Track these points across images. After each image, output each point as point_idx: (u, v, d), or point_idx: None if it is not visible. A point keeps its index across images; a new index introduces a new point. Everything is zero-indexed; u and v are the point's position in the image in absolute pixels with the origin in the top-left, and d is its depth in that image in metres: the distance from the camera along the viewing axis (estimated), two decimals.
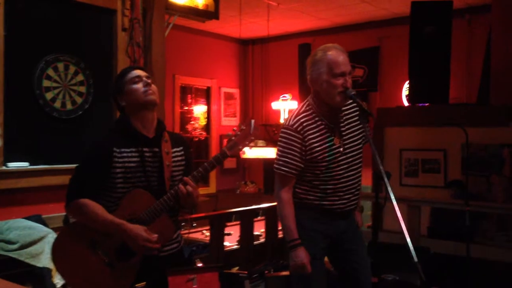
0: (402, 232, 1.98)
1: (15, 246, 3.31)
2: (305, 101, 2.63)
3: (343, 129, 2.57)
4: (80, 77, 4.15)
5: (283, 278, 3.41)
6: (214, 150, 8.57)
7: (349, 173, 2.57)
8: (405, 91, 7.17)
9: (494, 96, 4.92)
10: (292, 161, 2.53)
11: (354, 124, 2.60)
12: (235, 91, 9.11)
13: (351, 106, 2.60)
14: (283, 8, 6.97)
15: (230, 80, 9.02)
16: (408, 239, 1.98)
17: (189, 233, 5.22)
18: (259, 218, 5.79)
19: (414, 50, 4.84)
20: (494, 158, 4.34)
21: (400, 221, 2.05)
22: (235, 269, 4.64)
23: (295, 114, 2.59)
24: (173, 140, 2.37)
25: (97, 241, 2.21)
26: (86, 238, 2.21)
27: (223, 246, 4.88)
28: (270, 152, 6.90)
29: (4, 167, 3.71)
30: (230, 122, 8.91)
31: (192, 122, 8.46)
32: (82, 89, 4.16)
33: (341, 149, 2.54)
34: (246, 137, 2.28)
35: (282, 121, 7.96)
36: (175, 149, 2.36)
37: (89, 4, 4.22)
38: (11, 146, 3.77)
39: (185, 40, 7.88)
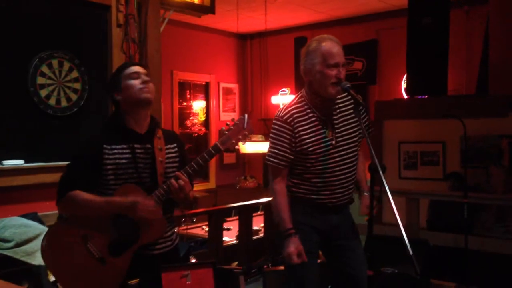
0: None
1: (10, 244, 3.29)
2: (299, 93, 2.61)
3: (336, 121, 2.54)
4: (74, 74, 4.12)
5: (281, 272, 3.39)
6: None
7: (341, 167, 2.53)
8: (404, 84, 7.13)
9: (492, 86, 4.89)
10: (281, 152, 2.52)
11: (348, 117, 2.57)
12: (234, 86, 9.08)
13: (346, 98, 2.58)
14: (280, 2, 6.92)
15: (228, 75, 8.98)
16: (403, 231, 1.96)
17: (188, 228, 5.21)
18: (258, 213, 5.78)
19: (412, 42, 4.82)
20: (493, 148, 4.32)
21: (395, 214, 2.03)
22: (234, 264, 4.64)
23: (287, 105, 2.58)
24: (166, 137, 2.37)
25: (89, 236, 2.19)
26: (78, 233, 2.20)
27: (222, 242, 4.87)
28: None
29: None
30: (229, 117, 8.85)
31: (191, 118, 8.44)
32: (77, 86, 4.13)
33: (333, 141, 2.51)
34: (239, 131, 2.29)
35: None
36: (168, 146, 2.36)
37: (83, 0, 4.18)
38: (6, 144, 3.75)
39: (183, 36, 7.85)
